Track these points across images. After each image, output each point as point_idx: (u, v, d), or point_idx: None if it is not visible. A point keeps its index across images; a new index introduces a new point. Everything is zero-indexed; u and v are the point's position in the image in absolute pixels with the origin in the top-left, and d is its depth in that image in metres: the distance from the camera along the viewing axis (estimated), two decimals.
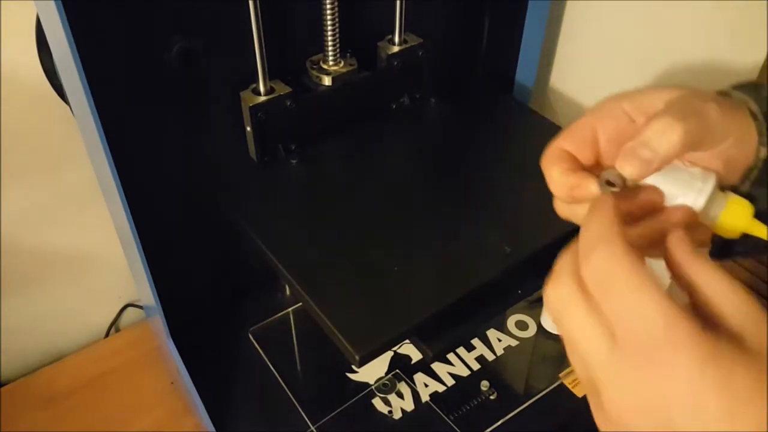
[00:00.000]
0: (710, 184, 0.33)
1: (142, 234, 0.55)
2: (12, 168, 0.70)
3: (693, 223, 0.32)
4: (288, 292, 0.74)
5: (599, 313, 0.26)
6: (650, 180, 0.33)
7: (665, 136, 0.29)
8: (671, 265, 0.28)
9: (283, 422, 0.62)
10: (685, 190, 0.33)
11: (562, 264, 0.29)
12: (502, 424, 0.62)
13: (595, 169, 0.34)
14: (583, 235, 0.28)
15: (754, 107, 0.33)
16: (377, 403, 0.64)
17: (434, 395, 0.64)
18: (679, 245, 0.28)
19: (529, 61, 0.74)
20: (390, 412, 0.63)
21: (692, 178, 0.33)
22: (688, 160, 0.33)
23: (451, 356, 0.68)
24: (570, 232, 0.53)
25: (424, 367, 0.67)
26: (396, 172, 0.63)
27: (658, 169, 0.31)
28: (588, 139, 0.34)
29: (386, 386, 0.65)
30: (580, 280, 0.27)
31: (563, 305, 0.28)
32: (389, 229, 0.56)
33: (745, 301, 0.25)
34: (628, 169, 0.30)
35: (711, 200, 0.33)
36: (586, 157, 0.34)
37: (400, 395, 0.64)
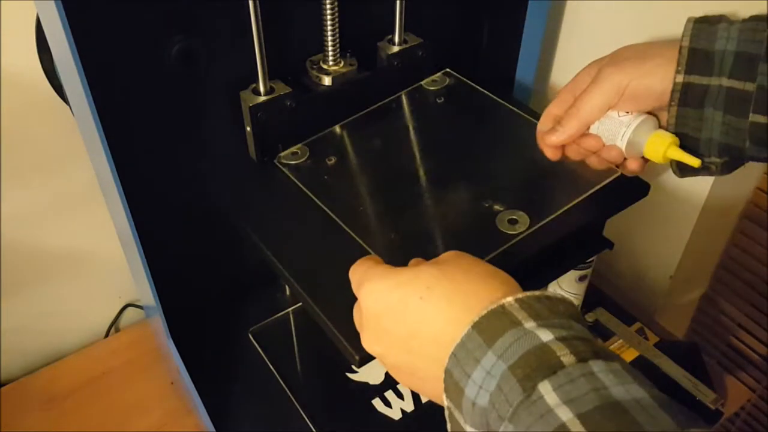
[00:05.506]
0: (631, 129, 0.49)
1: (142, 234, 0.55)
2: (12, 168, 0.70)
3: (621, 157, 0.51)
4: (288, 292, 0.74)
5: None
6: (593, 129, 0.51)
7: (571, 121, 0.51)
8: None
9: (282, 422, 0.63)
10: (612, 136, 0.50)
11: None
12: None
13: None
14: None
15: (685, 42, 0.47)
16: (377, 403, 0.64)
17: None
18: None
19: (529, 61, 0.74)
20: (390, 412, 0.63)
21: (620, 126, 0.49)
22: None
23: None
24: (569, 233, 0.53)
25: None
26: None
27: (571, 138, 0.51)
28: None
29: (386, 386, 0.65)
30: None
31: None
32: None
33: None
34: (546, 152, 0.54)
35: (640, 137, 0.49)
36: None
37: (400, 395, 0.64)
